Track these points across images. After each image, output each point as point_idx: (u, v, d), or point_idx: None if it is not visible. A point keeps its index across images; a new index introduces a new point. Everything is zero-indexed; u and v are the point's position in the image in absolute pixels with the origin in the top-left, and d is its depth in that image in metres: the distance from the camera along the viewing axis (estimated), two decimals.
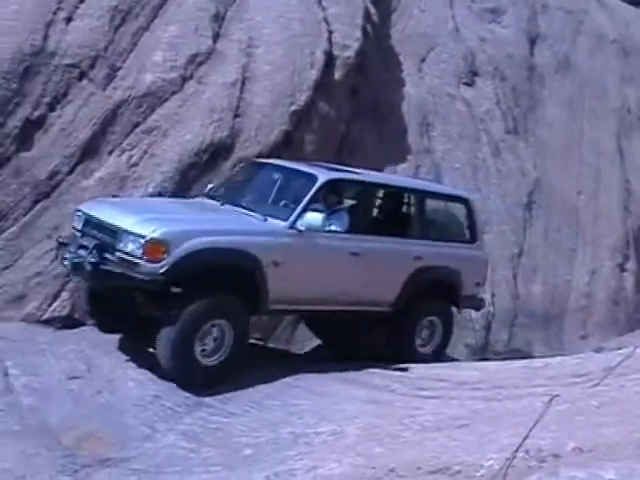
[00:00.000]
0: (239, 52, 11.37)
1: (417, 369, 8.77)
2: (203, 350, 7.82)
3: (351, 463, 5.70)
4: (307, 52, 11.90)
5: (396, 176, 11.37)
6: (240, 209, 8.73)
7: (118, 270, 7.72)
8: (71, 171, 9.76)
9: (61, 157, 9.72)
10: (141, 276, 7.60)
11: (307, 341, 10.83)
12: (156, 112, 10.46)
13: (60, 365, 7.89)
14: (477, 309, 11.23)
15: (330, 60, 12.19)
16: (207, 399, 7.51)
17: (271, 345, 10.41)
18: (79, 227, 8.43)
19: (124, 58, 10.67)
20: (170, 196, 9.99)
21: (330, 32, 12.57)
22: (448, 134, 15.06)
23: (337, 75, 12.28)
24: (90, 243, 8.00)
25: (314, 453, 6.11)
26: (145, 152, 10.18)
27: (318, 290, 8.72)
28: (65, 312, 9.16)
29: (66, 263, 8.17)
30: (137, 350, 8.31)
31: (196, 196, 9.66)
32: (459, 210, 10.39)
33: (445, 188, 11.83)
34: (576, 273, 15.45)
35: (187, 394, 7.54)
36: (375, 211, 10.08)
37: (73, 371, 7.79)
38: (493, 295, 13.41)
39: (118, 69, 10.55)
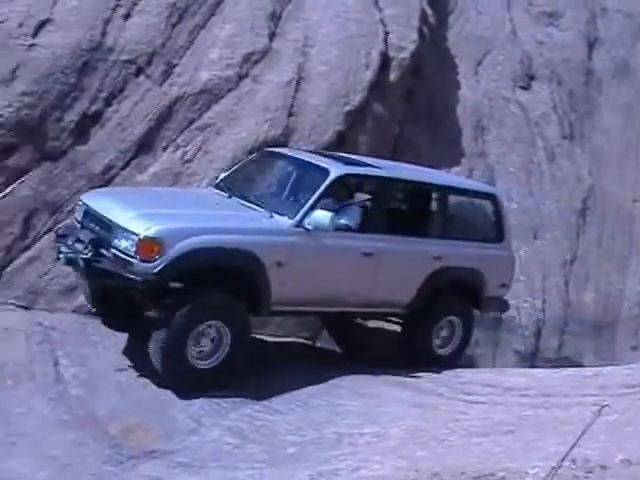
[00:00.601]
0: (295, 51, 11.39)
1: (464, 373, 8.72)
2: (200, 352, 7.55)
3: (394, 465, 5.69)
4: (363, 53, 11.88)
5: (420, 169, 10.44)
6: (247, 203, 8.32)
7: (111, 268, 7.41)
8: (126, 165, 9.85)
9: (116, 152, 9.81)
10: (134, 276, 7.26)
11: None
12: (211, 109, 10.53)
13: (109, 357, 7.98)
14: (502, 311, 10.70)
15: (386, 61, 12.15)
16: (253, 396, 7.49)
17: (319, 345, 10.39)
18: (79, 218, 8.20)
19: (181, 55, 10.75)
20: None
21: (386, 33, 12.53)
22: (503, 138, 14.92)
23: (392, 76, 12.24)
24: (87, 237, 7.71)
25: (358, 454, 6.10)
26: (199, 149, 10.25)
27: (325, 291, 8.33)
28: None
29: (61, 257, 7.88)
30: None
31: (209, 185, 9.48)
32: (485, 207, 9.87)
33: (471, 183, 11.08)
34: (629, 282, 15.20)
35: (234, 390, 7.52)
36: (392, 208, 9.33)
37: (121, 363, 7.88)
38: (544, 302, 13.26)
39: (174, 66, 10.64)
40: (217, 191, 8.84)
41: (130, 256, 7.28)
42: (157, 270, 7.21)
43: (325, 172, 8.39)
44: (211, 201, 8.50)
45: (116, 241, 7.43)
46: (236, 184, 8.89)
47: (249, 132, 10.41)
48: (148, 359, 7.54)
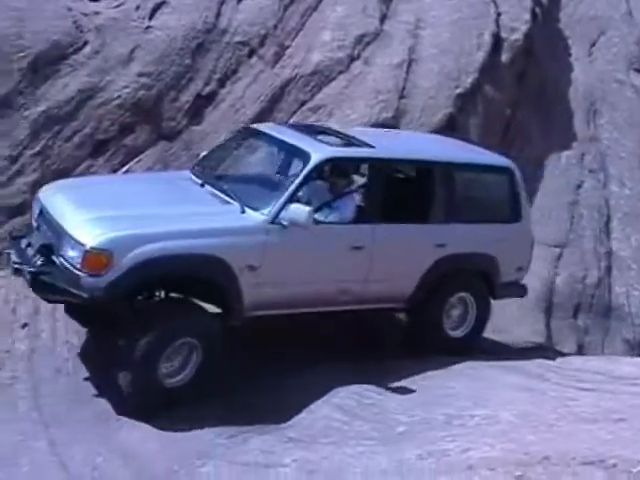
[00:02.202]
0: (406, 33, 11.40)
1: (573, 360, 8.60)
2: (169, 370, 6.75)
3: (504, 448, 5.65)
4: (474, 34, 11.81)
5: (424, 140, 9.41)
6: (219, 193, 7.34)
7: (59, 283, 6.48)
8: None
9: (229, 132, 9.95)
10: (80, 292, 6.37)
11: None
12: (322, 91, 10.63)
13: None
14: (519, 296, 9.43)
15: (497, 43, 12.07)
16: (362, 376, 7.48)
17: None
18: (35, 217, 7.33)
19: (293, 37, 10.90)
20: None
21: (498, 14, 12.42)
22: (615, 122, 14.57)
23: (504, 58, 12.14)
24: (37, 242, 6.87)
25: (467, 436, 6.08)
26: None
27: (309, 292, 7.41)
28: None
29: (10, 265, 7.01)
30: None
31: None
32: (499, 183, 8.66)
33: (482, 156, 9.12)
34: None
35: (343, 367, 7.60)
36: (387, 192, 7.84)
37: None
38: None
39: (287, 48, 10.79)
40: (192, 176, 7.89)
41: (77, 268, 6.41)
42: (106, 285, 6.34)
43: (305, 156, 7.38)
44: (179, 193, 7.59)
45: (64, 249, 6.57)
46: (212, 167, 8.04)
47: (360, 114, 10.46)
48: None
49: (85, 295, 6.35)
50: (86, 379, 7.09)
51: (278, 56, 10.65)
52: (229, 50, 10.38)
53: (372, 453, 6.03)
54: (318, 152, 7.39)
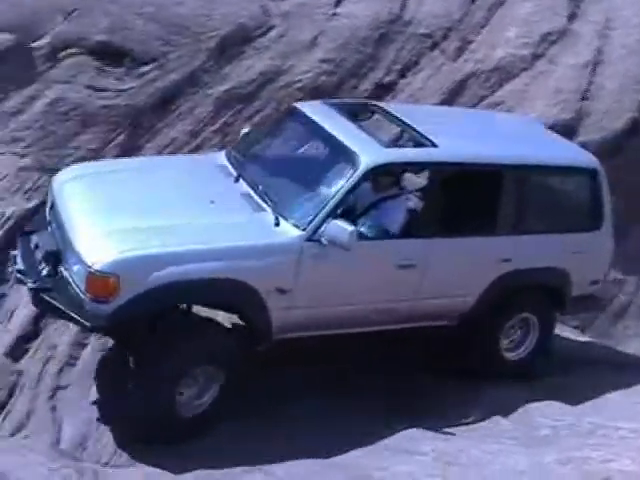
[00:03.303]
0: (594, 33, 11.06)
1: None
2: (188, 398, 6.07)
3: None
4: None
5: (491, 131, 7.84)
6: (253, 194, 6.39)
7: (60, 305, 5.76)
8: None
9: None
10: (82, 319, 5.66)
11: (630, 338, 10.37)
12: (503, 87, 10.47)
13: None
14: (592, 311, 8.61)
15: None
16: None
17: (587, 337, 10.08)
18: (47, 210, 6.61)
19: (477, 32, 10.79)
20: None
21: None
22: None
23: None
24: (45, 246, 6.12)
25: (611, 447, 5.99)
26: None
27: (347, 314, 6.52)
28: None
29: (14, 272, 6.38)
30: None
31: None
32: (581, 186, 7.56)
33: (565, 154, 7.77)
34: None
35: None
36: (447, 201, 6.70)
37: None
38: None
39: (470, 42, 10.70)
40: (226, 163, 6.94)
41: (81, 290, 5.65)
42: (111, 313, 5.54)
43: (354, 160, 6.34)
44: (208, 192, 6.47)
45: (70, 261, 5.83)
46: (250, 154, 7.08)
47: (538, 113, 10.24)
48: None
49: (87, 324, 5.65)
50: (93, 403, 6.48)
51: (460, 50, 10.59)
52: (412, 41, 10.40)
53: (511, 452, 6.03)
54: (369, 155, 6.36)
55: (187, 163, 7.58)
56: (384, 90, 10.12)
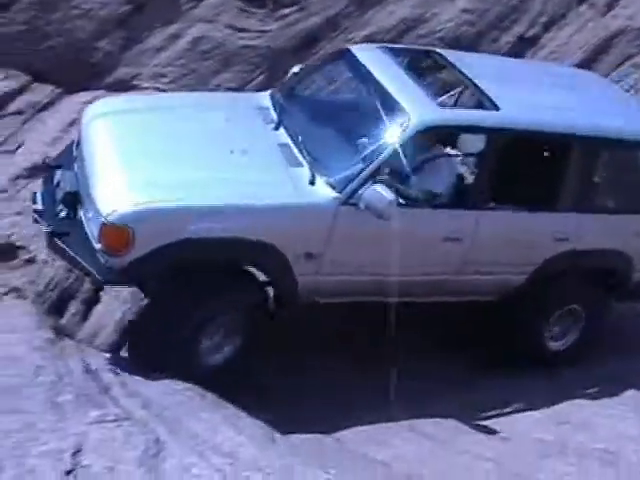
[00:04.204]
0: None
1: None
2: (208, 346, 5.74)
3: None
4: None
5: (562, 89, 6.91)
6: (291, 144, 5.88)
7: (73, 253, 5.45)
8: None
9: None
10: (93, 270, 5.37)
11: None
12: None
13: None
14: None
15: None
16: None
17: None
18: (74, 147, 6.22)
19: None
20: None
21: None
22: None
23: None
24: (66, 186, 5.78)
25: None
26: None
27: (383, 284, 5.91)
28: None
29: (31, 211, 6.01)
30: None
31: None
32: None
33: (632, 128, 6.73)
34: None
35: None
36: (503, 170, 6.04)
37: None
38: None
39: None
40: (269, 105, 6.45)
41: (95, 240, 5.33)
42: (123, 268, 5.26)
43: (403, 118, 5.72)
44: (244, 139, 5.94)
45: (88, 207, 5.50)
46: (296, 98, 6.58)
47: None
48: None
49: (98, 277, 5.38)
50: None
51: (610, 6, 10.26)
52: None
53: (623, 418, 5.97)
54: (420, 115, 5.75)
55: (227, 103, 6.99)
56: (526, 44, 9.96)
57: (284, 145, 5.92)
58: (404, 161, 5.75)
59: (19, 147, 6.61)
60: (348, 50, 6.78)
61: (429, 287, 6.19)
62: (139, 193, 5.28)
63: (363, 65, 6.38)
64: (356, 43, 9.24)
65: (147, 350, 5.64)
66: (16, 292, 6.68)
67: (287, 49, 9.17)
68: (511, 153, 6.10)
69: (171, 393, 5.21)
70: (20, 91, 8.73)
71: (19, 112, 8.59)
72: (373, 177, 5.57)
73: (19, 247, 7.05)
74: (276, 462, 4.52)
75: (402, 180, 5.79)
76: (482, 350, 6.88)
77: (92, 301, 6.67)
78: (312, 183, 5.58)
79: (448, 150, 6.60)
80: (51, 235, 5.54)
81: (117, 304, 6.69)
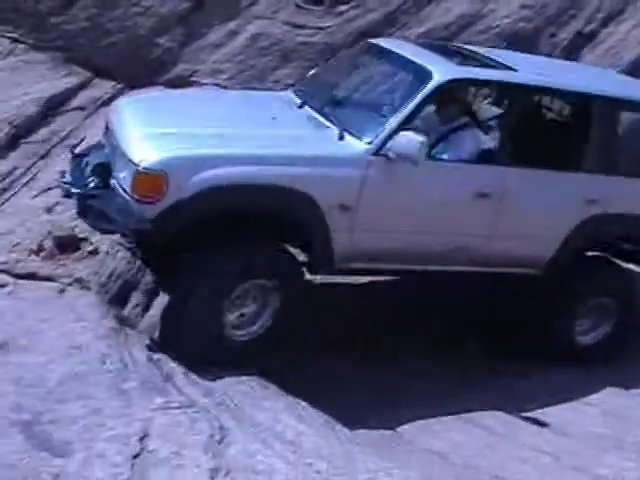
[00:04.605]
0: None
1: None
2: (239, 319, 5.69)
3: None
4: None
5: (581, 70, 7.60)
6: (318, 116, 6.06)
7: (106, 210, 5.46)
8: None
9: None
10: (126, 221, 5.35)
11: None
12: None
13: None
14: None
15: None
16: None
17: None
18: (102, 133, 6.42)
19: None
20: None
21: None
22: None
23: None
24: (94, 160, 5.88)
25: None
26: None
27: (417, 246, 6.02)
28: None
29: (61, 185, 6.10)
30: None
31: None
32: None
33: None
34: None
35: None
36: (528, 129, 6.31)
37: None
38: None
39: None
40: (293, 95, 6.67)
41: (127, 193, 5.33)
42: (156, 215, 5.21)
43: (426, 75, 5.91)
44: (268, 112, 6.21)
45: (118, 169, 5.54)
46: (318, 87, 6.71)
47: None
48: None
49: (131, 226, 5.34)
50: None
51: None
52: None
53: None
54: (442, 71, 5.98)
55: (249, 95, 7.55)
56: (584, 39, 9.91)
57: (310, 117, 6.11)
58: (431, 116, 6.18)
59: (82, 141, 6.76)
60: (367, 42, 7.14)
61: (461, 251, 6.16)
62: (172, 142, 5.40)
63: (385, 48, 6.69)
64: (414, 40, 9.31)
65: (179, 327, 5.61)
66: (80, 283, 6.80)
67: (345, 45, 9.17)
68: (532, 111, 6.66)
69: (233, 383, 5.32)
70: (82, 87, 8.91)
71: (81, 107, 8.77)
72: (401, 127, 5.68)
73: (82, 239, 7.19)
74: (338, 450, 4.60)
75: (430, 134, 5.88)
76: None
77: (153, 293, 6.77)
78: (341, 138, 5.72)
79: (475, 108, 6.78)
80: (82, 197, 5.64)
81: None
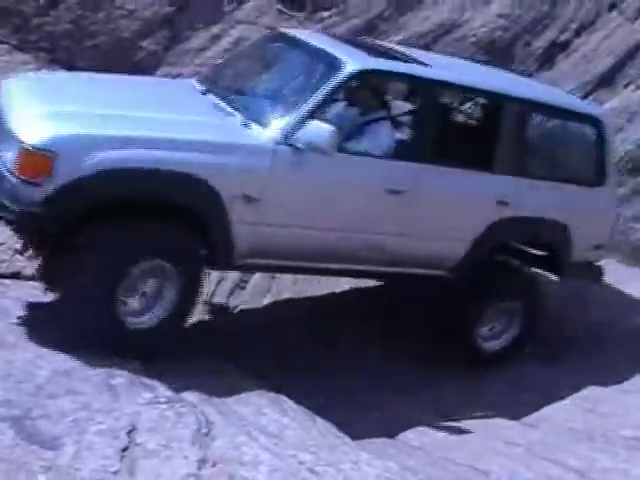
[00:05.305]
0: None
1: None
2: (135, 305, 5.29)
3: None
4: None
5: (496, 73, 7.37)
6: (223, 104, 5.74)
7: None
8: (584, 97, 9.81)
9: (577, 83, 10.00)
10: (10, 204, 4.86)
11: None
12: None
13: None
14: (594, 282, 7.42)
15: None
16: None
17: None
18: None
19: None
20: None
21: None
22: None
23: None
24: None
25: None
26: None
27: (327, 243, 5.77)
28: None
29: None
30: None
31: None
32: (584, 136, 7.00)
33: (566, 99, 7.40)
34: None
35: None
36: (442, 127, 6.30)
37: None
38: None
39: None
40: (197, 84, 6.32)
41: (12, 173, 4.86)
42: (43, 199, 4.78)
43: (338, 65, 5.68)
44: (168, 98, 6.02)
45: (5, 149, 5.03)
46: (224, 76, 6.45)
47: None
48: None
49: (15, 208, 4.85)
50: None
51: (639, 13, 10.41)
52: (590, 0, 10.32)
53: None
54: (355, 60, 5.77)
55: (152, 80, 7.39)
56: (558, 49, 10.16)
57: (214, 104, 5.79)
58: (344, 108, 6.01)
59: None
60: (276, 31, 6.99)
61: (373, 250, 5.98)
62: (61, 121, 4.99)
63: (296, 37, 6.48)
64: None
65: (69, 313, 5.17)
66: None
67: None
68: (445, 109, 6.62)
69: (218, 377, 5.44)
70: None
71: None
72: (311, 117, 5.43)
73: None
74: (321, 441, 4.75)
75: (342, 126, 5.66)
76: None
77: None
78: (246, 126, 5.42)
79: (388, 103, 6.62)
80: None
81: None
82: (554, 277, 7.01)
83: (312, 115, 5.43)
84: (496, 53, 9.90)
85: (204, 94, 5.98)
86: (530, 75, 9.93)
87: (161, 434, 4.38)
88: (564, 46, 10.21)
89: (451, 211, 6.20)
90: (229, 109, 5.64)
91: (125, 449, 4.19)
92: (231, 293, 7.21)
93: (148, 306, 5.30)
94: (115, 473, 3.96)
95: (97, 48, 9.12)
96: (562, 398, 6.50)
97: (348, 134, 5.85)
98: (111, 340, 5.05)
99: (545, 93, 7.27)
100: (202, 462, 4.18)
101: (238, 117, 5.50)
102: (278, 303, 7.29)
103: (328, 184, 5.61)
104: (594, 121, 6.95)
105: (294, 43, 6.40)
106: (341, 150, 5.60)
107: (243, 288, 7.27)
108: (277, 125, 5.42)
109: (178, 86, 6.63)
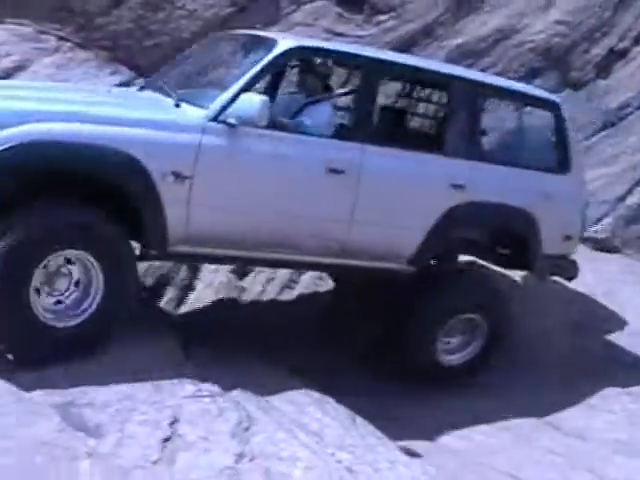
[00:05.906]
0: None
1: None
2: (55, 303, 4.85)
3: None
4: None
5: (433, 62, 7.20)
6: (155, 93, 5.70)
7: None
8: None
9: (635, 91, 9.90)
10: None
11: None
12: None
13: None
14: (568, 278, 6.92)
15: None
16: None
17: None
18: None
19: None
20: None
21: None
22: None
23: None
24: None
25: None
26: None
27: (268, 228, 5.43)
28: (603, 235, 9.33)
29: None
30: None
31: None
32: (542, 121, 6.68)
33: (522, 85, 7.16)
34: None
35: None
36: (386, 106, 6.32)
37: None
38: None
39: None
40: (135, 89, 6.34)
41: None
42: None
43: (270, 44, 5.53)
44: (102, 91, 5.99)
45: None
46: (158, 77, 6.33)
47: None
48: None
49: None
50: None
51: None
52: None
53: None
54: (287, 39, 5.65)
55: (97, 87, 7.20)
56: (616, 56, 10.03)
57: (149, 96, 5.77)
58: (277, 84, 6.09)
59: None
60: (214, 34, 7.06)
61: (317, 238, 5.63)
62: None
63: (232, 33, 6.54)
64: (449, 51, 9.49)
65: None
66: None
67: None
68: (390, 88, 6.50)
69: (265, 375, 5.51)
70: (126, 85, 9.10)
71: None
72: (243, 92, 5.25)
73: None
74: (360, 442, 4.79)
75: (276, 103, 5.62)
76: None
77: (188, 288, 7.00)
78: (177, 106, 5.26)
79: (328, 83, 6.41)
80: None
81: (210, 292, 7.05)
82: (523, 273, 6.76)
83: (244, 92, 5.26)
84: (553, 60, 9.84)
85: (140, 90, 6.06)
86: (587, 83, 9.88)
87: (202, 427, 4.46)
88: (622, 54, 10.09)
89: (399, 194, 5.82)
90: (161, 97, 5.55)
91: (167, 440, 4.27)
92: (281, 291, 7.25)
93: (76, 303, 4.93)
94: (155, 462, 4.06)
95: (157, 47, 9.26)
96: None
97: (284, 111, 5.76)
98: (34, 344, 4.73)
99: (496, 79, 7.16)
100: (240, 456, 4.25)
101: (170, 100, 5.36)
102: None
103: (262, 161, 5.34)
104: (552, 106, 6.65)
105: (231, 38, 6.40)
106: (275, 127, 5.40)
107: (292, 288, 7.30)
108: (208, 103, 5.25)
109: (120, 89, 6.70)
